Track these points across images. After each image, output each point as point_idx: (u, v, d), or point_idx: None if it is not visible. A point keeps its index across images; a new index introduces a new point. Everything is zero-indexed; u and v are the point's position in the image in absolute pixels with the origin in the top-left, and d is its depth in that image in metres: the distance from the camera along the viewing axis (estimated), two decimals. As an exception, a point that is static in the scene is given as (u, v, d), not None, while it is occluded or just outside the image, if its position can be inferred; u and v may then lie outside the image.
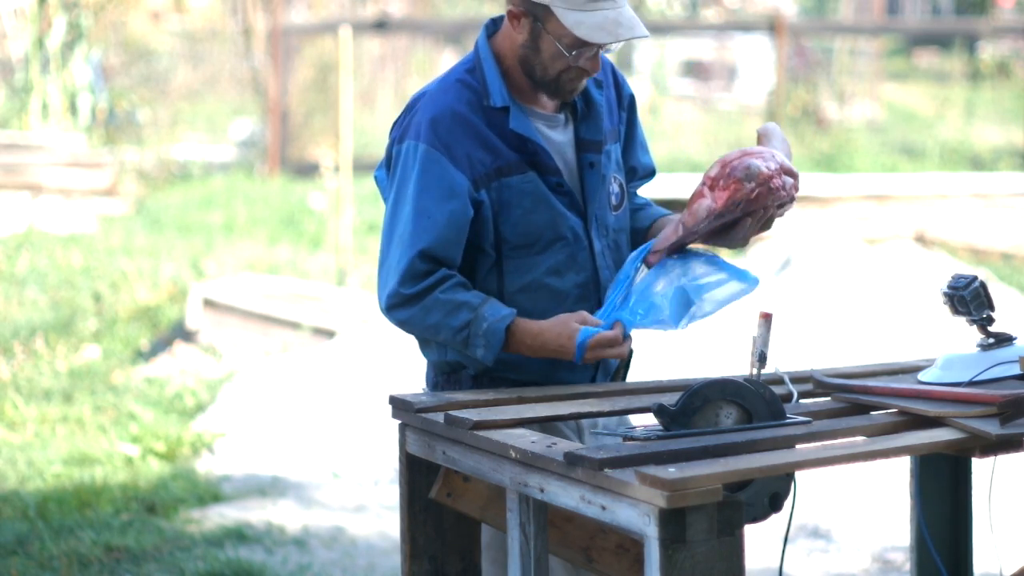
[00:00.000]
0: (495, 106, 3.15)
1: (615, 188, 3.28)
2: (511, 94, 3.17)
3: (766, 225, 3.15)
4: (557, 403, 3.06)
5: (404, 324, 3.18)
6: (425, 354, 3.30)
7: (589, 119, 3.23)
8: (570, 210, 3.19)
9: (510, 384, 3.21)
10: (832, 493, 5.94)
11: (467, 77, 3.19)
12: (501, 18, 3.22)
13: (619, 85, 3.34)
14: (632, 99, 3.37)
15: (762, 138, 3.23)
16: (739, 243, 3.17)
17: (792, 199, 3.13)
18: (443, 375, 3.27)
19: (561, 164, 3.20)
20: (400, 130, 3.21)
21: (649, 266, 3.18)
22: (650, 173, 3.44)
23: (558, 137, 3.21)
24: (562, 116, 3.23)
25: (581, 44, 3.09)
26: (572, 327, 3.11)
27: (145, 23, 21.64)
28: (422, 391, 3.29)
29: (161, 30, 22.12)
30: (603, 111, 3.25)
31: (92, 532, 5.55)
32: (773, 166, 3.10)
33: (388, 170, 3.24)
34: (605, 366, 3.29)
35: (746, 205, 3.08)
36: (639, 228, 3.37)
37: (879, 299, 9.02)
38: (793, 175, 3.13)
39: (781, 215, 3.17)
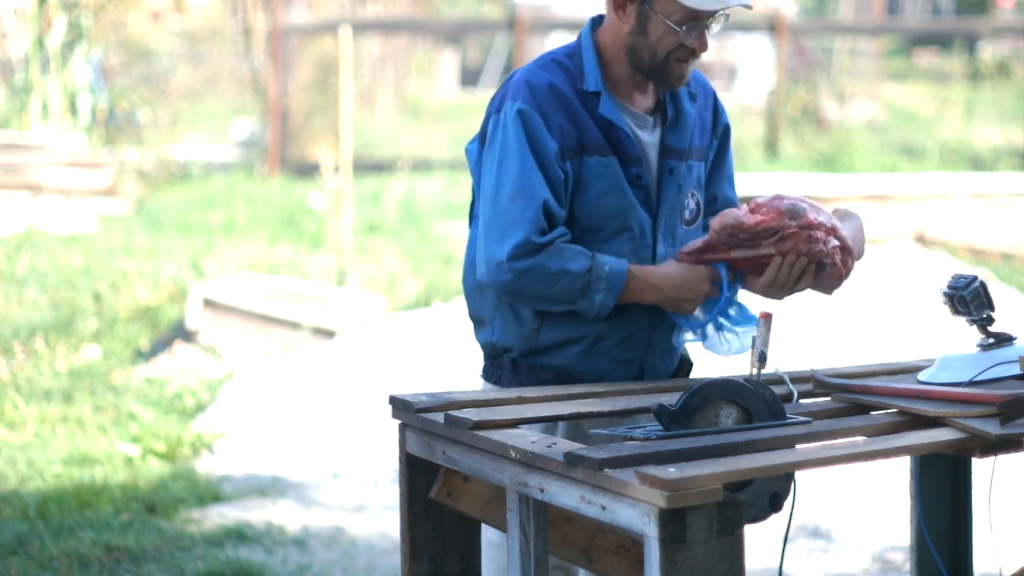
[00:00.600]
0: (588, 90, 3.20)
1: (691, 204, 3.31)
2: (606, 84, 3.22)
3: (801, 279, 3.17)
4: (557, 403, 3.06)
5: (525, 274, 3.14)
6: (477, 335, 3.34)
7: (677, 128, 3.27)
8: (643, 206, 3.23)
9: (550, 372, 3.23)
10: (832, 493, 5.95)
11: (565, 60, 3.25)
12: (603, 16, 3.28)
13: (717, 112, 3.39)
14: (727, 129, 3.41)
15: (836, 215, 3.25)
16: (771, 290, 3.20)
17: (834, 265, 3.15)
18: (488, 359, 3.32)
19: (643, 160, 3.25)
20: (497, 101, 3.25)
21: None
22: (729, 206, 3.44)
23: (645, 137, 3.25)
24: (651, 119, 3.27)
25: (691, 17, 3.14)
26: (702, 269, 3.15)
27: (145, 23, 21.65)
28: (480, 377, 3.35)
29: (161, 30, 22.13)
30: (692, 123, 3.29)
31: (92, 532, 5.55)
32: (823, 221, 3.13)
33: (482, 144, 3.28)
34: (653, 370, 3.31)
35: (779, 241, 3.11)
36: None
37: (879, 299, 9.02)
38: (847, 251, 3.15)
39: (826, 288, 3.21)
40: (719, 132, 3.39)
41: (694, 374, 3.45)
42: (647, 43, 3.18)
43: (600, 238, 3.21)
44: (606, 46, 3.24)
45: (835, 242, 3.13)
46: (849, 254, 3.17)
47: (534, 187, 3.15)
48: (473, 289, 3.32)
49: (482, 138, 3.28)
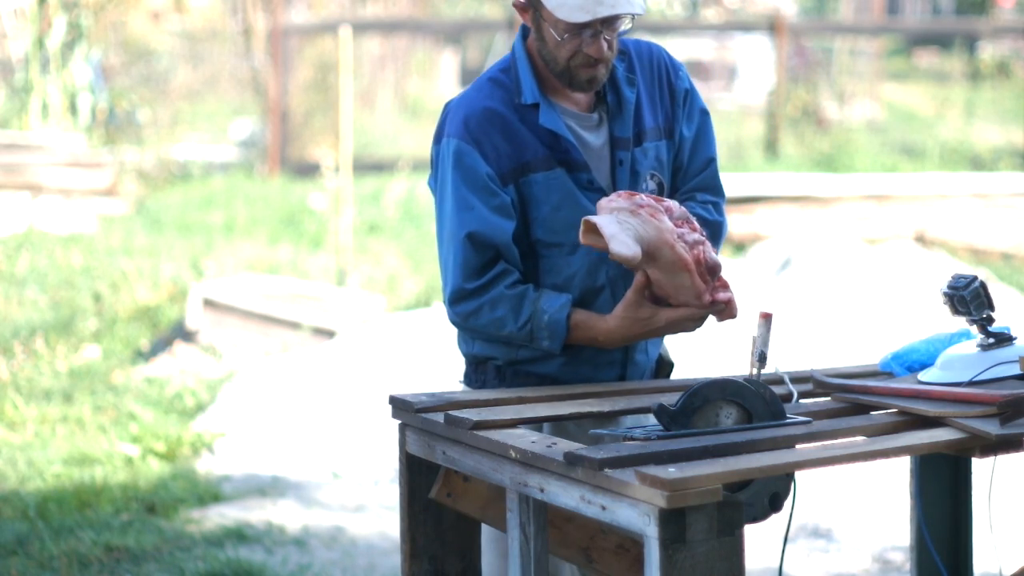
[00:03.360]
0: (526, 103, 3.18)
1: (652, 185, 3.27)
2: (543, 92, 3.20)
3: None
4: (557, 403, 3.06)
5: (470, 316, 3.18)
6: (459, 345, 3.34)
7: (620, 117, 3.24)
8: None
9: (535, 378, 3.23)
10: (832, 493, 5.95)
11: (501, 76, 3.23)
12: None
13: (671, 80, 3.32)
14: (687, 93, 3.34)
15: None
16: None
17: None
18: (471, 366, 3.31)
19: (593, 161, 3.22)
20: (436, 132, 3.25)
21: None
22: (703, 168, 3.36)
23: (591, 135, 3.23)
24: (596, 116, 3.24)
25: (569, 27, 3.10)
26: (647, 309, 3.11)
27: (145, 23, 21.64)
28: (459, 382, 3.34)
29: (161, 30, 22.11)
30: (632, 108, 3.24)
31: (92, 532, 5.54)
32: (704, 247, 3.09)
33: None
34: (635, 366, 3.29)
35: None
36: None
37: (879, 299, 9.02)
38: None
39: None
40: (679, 99, 3.32)
41: (693, 374, 3.45)
42: (547, 49, 3.16)
43: (566, 252, 3.19)
44: (533, 54, 3.21)
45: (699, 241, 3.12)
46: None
47: (462, 225, 3.14)
48: None
49: (433, 167, 3.28)
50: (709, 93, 20.88)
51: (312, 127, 16.15)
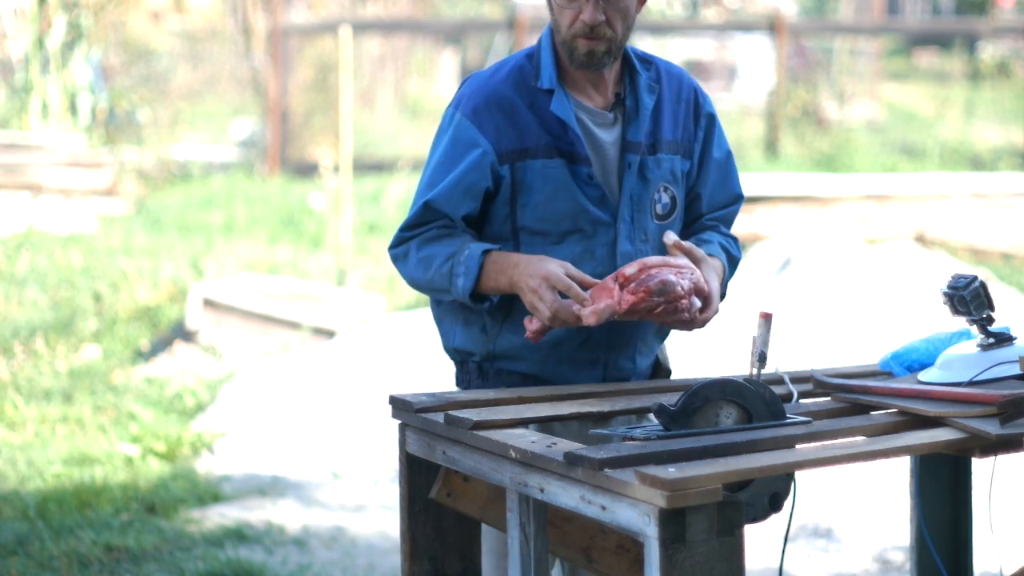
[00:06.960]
0: (542, 87, 3.20)
1: (665, 198, 3.26)
2: (561, 82, 3.22)
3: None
4: (557, 403, 3.06)
5: (399, 258, 3.25)
6: (442, 343, 3.35)
7: (635, 121, 3.24)
8: (598, 206, 3.19)
9: (517, 377, 3.23)
10: (832, 493, 5.95)
11: (524, 61, 3.27)
12: None
13: (698, 102, 3.34)
14: (710, 118, 3.35)
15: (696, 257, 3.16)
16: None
17: (694, 323, 3.13)
18: (457, 365, 3.32)
19: (598, 159, 3.21)
20: (452, 100, 3.29)
21: None
22: (714, 208, 3.38)
23: (602, 133, 3.23)
24: (611, 115, 3.24)
25: None
26: (550, 263, 3.09)
27: (145, 23, 21.66)
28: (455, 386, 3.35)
29: (161, 30, 22.13)
30: (649, 115, 3.24)
31: (92, 532, 5.55)
32: (687, 286, 3.09)
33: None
34: (616, 367, 3.27)
35: (645, 314, 3.09)
36: None
37: (879, 299, 9.02)
38: (705, 298, 3.12)
39: (680, 328, 3.17)
40: (702, 123, 3.33)
41: (693, 374, 3.44)
42: (554, 20, 3.21)
43: (551, 241, 3.18)
44: (557, 44, 3.24)
45: (698, 303, 3.11)
46: (709, 305, 3.15)
47: (427, 188, 3.20)
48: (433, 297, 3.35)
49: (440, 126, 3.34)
50: (709, 93, 20.88)
51: (312, 127, 16.16)
